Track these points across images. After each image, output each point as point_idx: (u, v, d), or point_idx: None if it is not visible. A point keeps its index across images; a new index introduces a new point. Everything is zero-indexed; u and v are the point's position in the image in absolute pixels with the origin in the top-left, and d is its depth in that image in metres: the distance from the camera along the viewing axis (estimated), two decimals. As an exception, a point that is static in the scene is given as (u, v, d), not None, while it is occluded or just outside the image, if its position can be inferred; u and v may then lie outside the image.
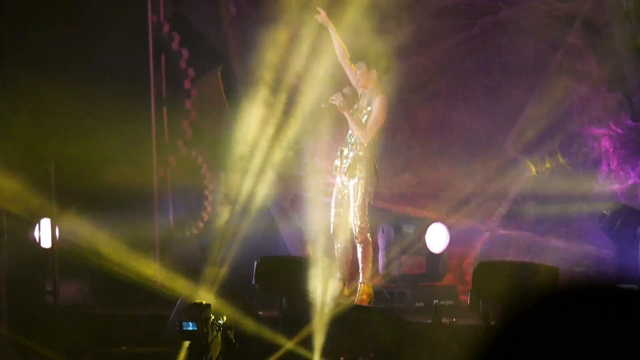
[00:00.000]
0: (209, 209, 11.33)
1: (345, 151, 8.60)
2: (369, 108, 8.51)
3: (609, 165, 10.81)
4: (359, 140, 8.51)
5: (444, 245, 9.36)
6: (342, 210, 8.64)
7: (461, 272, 10.53)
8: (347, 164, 8.52)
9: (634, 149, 10.77)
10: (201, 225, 11.34)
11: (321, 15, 8.66)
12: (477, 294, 7.23)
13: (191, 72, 11.27)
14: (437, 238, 9.33)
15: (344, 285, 8.67)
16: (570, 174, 10.82)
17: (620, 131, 10.81)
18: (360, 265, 8.59)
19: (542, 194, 10.82)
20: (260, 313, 8.30)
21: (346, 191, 8.62)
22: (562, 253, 10.61)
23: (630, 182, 10.73)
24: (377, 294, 9.13)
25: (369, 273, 8.61)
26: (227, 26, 10.86)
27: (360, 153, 8.50)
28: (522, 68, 10.91)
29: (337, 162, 8.67)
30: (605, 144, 10.83)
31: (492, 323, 7.11)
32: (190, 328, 6.38)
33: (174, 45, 11.27)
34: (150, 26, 11.01)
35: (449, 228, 9.53)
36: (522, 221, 10.81)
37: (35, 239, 9.95)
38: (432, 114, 10.87)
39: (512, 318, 2.12)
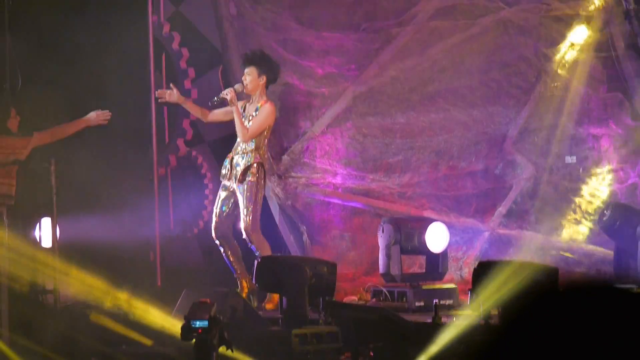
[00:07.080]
0: (209, 208, 11.33)
1: (236, 158, 8.91)
2: (254, 113, 8.80)
3: (608, 165, 10.82)
4: (248, 147, 8.76)
5: (444, 245, 9.36)
6: (221, 214, 9.08)
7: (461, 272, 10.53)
8: (239, 170, 8.82)
9: (634, 148, 10.77)
10: (201, 225, 11.34)
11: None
12: (477, 293, 7.24)
13: (191, 72, 11.26)
14: (437, 238, 9.32)
15: (245, 282, 9.08)
16: (570, 173, 10.83)
17: (620, 131, 10.82)
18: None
19: (542, 194, 10.82)
20: (260, 313, 8.31)
21: (231, 195, 8.98)
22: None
23: (630, 181, 10.73)
24: (377, 293, 9.14)
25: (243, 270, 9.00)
26: (227, 26, 10.85)
27: (251, 160, 8.80)
28: (522, 68, 10.91)
29: (225, 170, 9.01)
30: (605, 143, 10.84)
31: (492, 323, 7.12)
32: (199, 325, 6.41)
33: (174, 45, 11.27)
34: (150, 26, 11.00)
35: (449, 228, 9.53)
36: (522, 221, 10.81)
37: (35, 239, 9.95)
38: (432, 114, 10.87)
39: (512, 318, 2.12)
